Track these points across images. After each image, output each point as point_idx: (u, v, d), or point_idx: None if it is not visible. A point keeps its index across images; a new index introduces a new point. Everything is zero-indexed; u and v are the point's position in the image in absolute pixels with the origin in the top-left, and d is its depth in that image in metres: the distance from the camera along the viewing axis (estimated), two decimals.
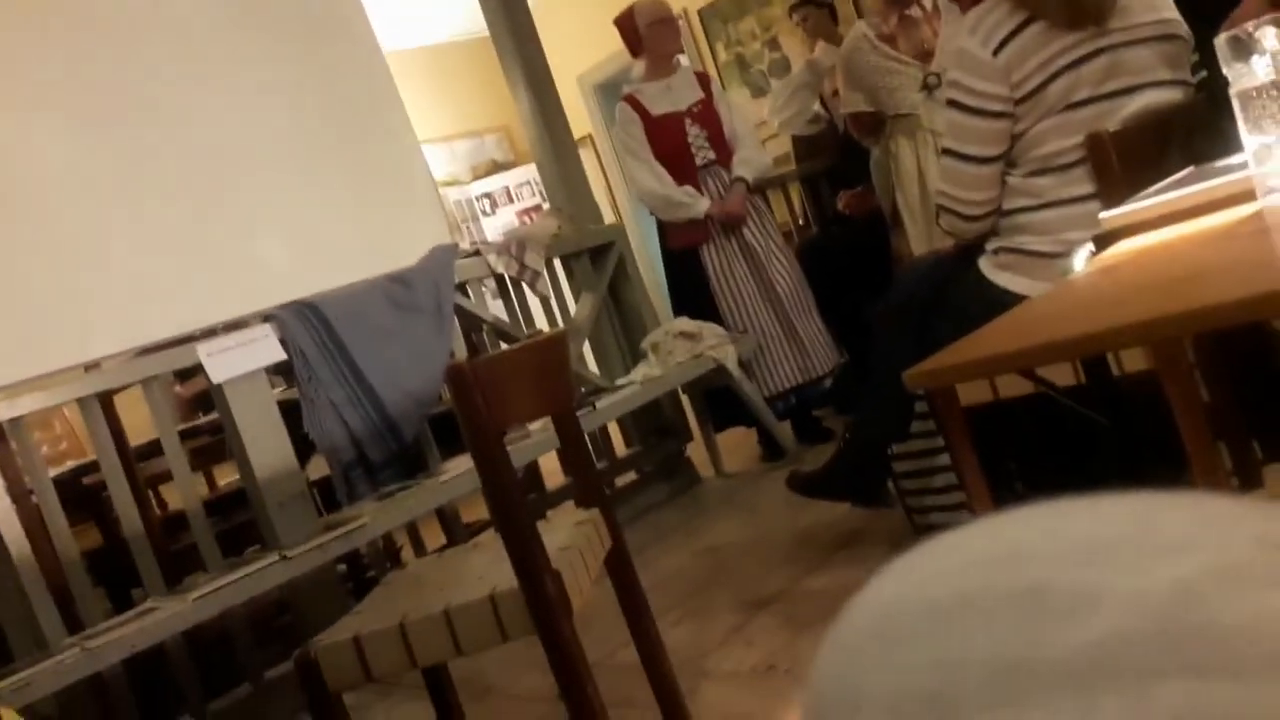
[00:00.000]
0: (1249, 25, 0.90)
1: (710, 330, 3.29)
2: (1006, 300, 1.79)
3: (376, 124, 3.24)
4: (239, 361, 2.51)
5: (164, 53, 2.76)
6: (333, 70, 3.16)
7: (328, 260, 2.92)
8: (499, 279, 3.16)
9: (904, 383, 1.03)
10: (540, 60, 3.48)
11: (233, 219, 2.78)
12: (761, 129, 5.33)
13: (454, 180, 6.33)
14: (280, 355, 2.57)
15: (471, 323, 3.11)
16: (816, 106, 4.16)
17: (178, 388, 3.84)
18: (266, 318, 2.59)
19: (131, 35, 2.71)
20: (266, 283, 2.72)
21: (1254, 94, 0.89)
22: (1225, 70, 0.91)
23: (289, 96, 3.01)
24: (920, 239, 3.20)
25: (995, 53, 1.74)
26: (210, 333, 2.53)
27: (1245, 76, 0.89)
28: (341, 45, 3.22)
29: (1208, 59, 2.38)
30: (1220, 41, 0.91)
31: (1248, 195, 0.90)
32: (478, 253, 3.10)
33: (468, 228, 5.99)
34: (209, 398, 2.80)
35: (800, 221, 4.76)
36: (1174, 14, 1.82)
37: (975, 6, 1.90)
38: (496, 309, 3.20)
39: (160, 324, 2.53)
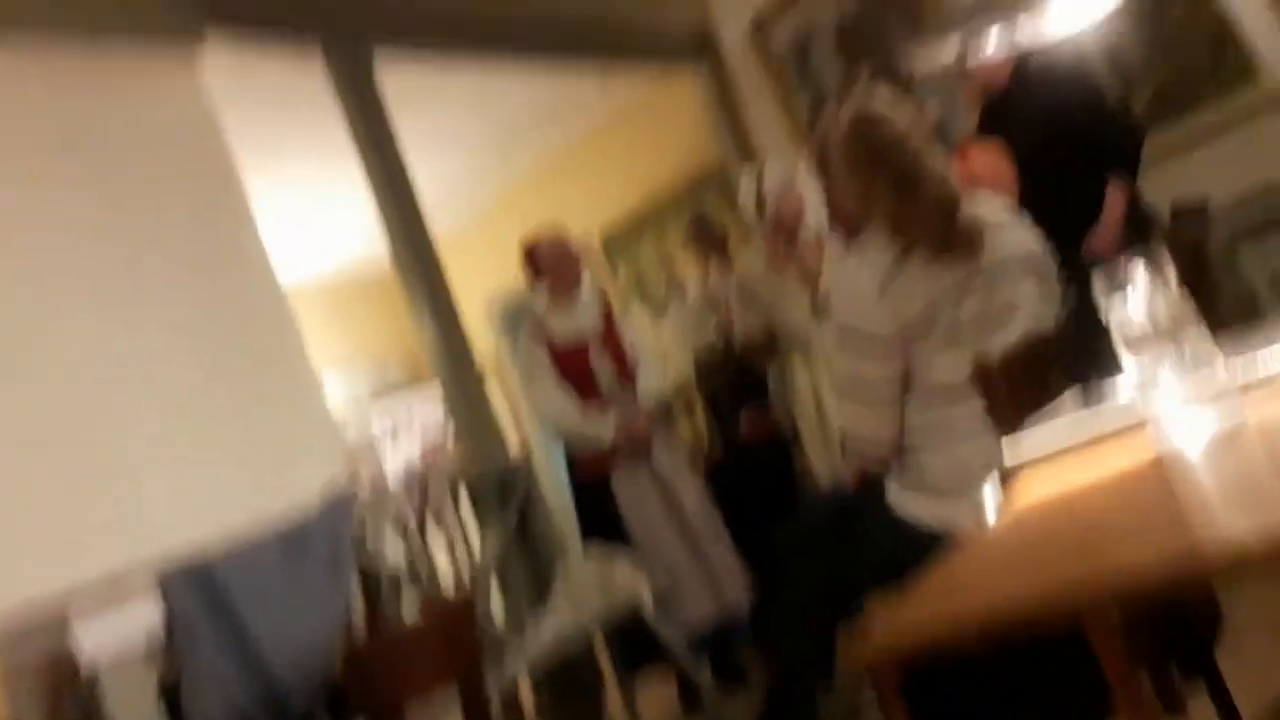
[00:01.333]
0: (1122, 260, 0.92)
1: (622, 563, 3.16)
2: (917, 534, 1.75)
3: (272, 357, 3.16)
4: (119, 641, 2.27)
5: (41, 278, 2.65)
6: (227, 301, 3.10)
7: (215, 503, 2.74)
8: (399, 518, 3.02)
9: (818, 619, 0.95)
10: (443, 288, 3.49)
11: (112, 460, 2.60)
12: (663, 350, 5.46)
13: (355, 406, 6.22)
14: (160, 631, 2.34)
15: (369, 575, 2.92)
16: (714, 329, 4.27)
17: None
18: (151, 580, 2.37)
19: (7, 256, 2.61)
20: (152, 532, 2.52)
21: (1131, 328, 0.89)
22: (1101, 303, 0.92)
23: (178, 328, 2.91)
24: (822, 459, 3.21)
25: (877, 288, 1.78)
26: (89, 595, 2.29)
27: (1120, 310, 0.89)
28: (236, 276, 3.18)
29: (1073, 280, 2.54)
30: (1097, 277, 0.93)
31: (1139, 427, 0.88)
32: (378, 496, 2.97)
33: (366, 459, 5.83)
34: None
35: (706, 444, 4.77)
36: (1036, 245, 1.93)
37: (856, 239, 1.98)
38: (397, 548, 3.03)
39: (29, 584, 2.28)
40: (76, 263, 2.75)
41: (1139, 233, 3.30)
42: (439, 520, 2.99)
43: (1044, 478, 0.96)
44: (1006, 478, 1.01)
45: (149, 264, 2.89)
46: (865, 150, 1.82)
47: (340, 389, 6.29)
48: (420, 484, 2.98)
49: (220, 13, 3.12)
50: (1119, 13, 3.81)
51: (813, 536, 2.05)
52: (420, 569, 3.04)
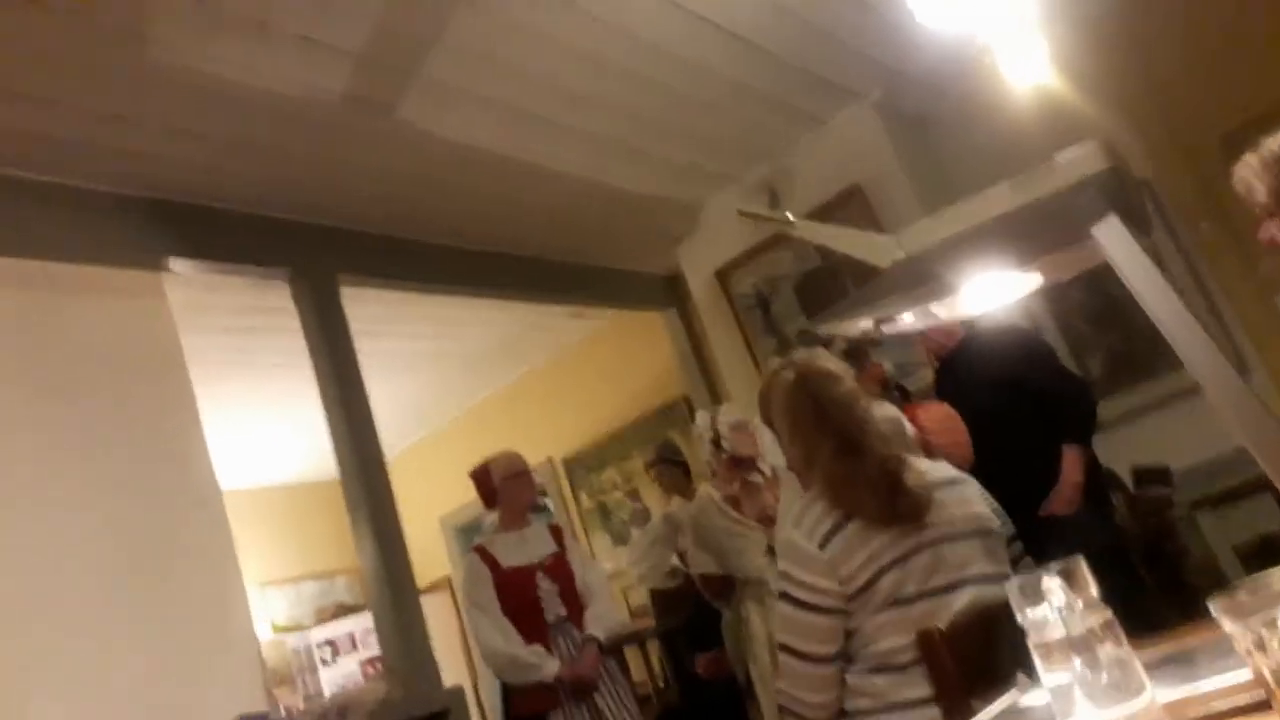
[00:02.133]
0: (1039, 575, 0.88)
1: None
2: None
3: (198, 565, 3.04)
4: None
5: None
6: (156, 502, 3.02)
7: None
8: None
9: None
10: (387, 504, 3.41)
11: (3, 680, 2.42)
12: (621, 578, 5.31)
13: (296, 625, 5.92)
14: None
15: None
16: (674, 560, 4.17)
17: None
18: None
19: None
20: None
21: (1048, 646, 0.84)
22: (1019, 619, 0.88)
23: (98, 533, 2.82)
24: (773, 711, 3.03)
25: (821, 546, 1.73)
26: None
27: (1036, 627, 0.85)
28: (173, 477, 3.12)
29: (1029, 545, 2.50)
30: (1012, 589, 0.89)
31: None
32: None
33: (304, 679, 5.49)
34: None
35: (660, 683, 4.54)
36: (985, 509, 1.90)
37: (798, 490, 1.96)
38: None
39: None
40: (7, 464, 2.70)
41: (1099, 496, 3.31)
42: None
43: None
44: None
45: (85, 465, 2.84)
46: (807, 409, 1.83)
47: (283, 605, 6.03)
48: (338, 715, 2.77)
49: (186, 245, 3.23)
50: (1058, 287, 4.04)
51: None
52: None
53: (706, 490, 3.38)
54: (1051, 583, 0.83)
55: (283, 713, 2.89)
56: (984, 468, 2.35)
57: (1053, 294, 4.25)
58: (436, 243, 4.12)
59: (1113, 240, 0.99)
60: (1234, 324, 3.88)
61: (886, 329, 1.21)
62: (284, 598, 6.03)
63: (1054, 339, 4.03)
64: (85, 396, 2.96)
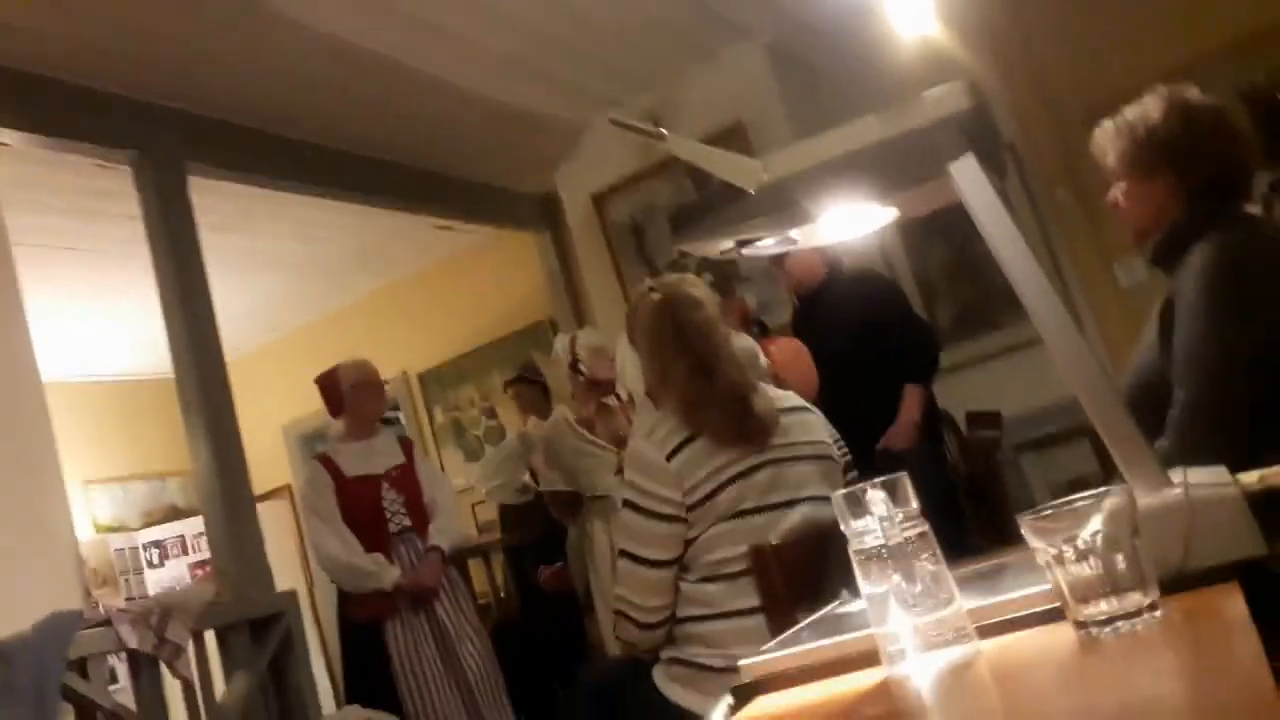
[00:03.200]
0: (863, 486, 0.91)
1: None
2: (679, 716, 1.69)
3: (11, 457, 2.84)
4: None
5: None
6: None
7: None
8: (132, 654, 2.67)
9: None
10: (225, 407, 3.27)
11: None
12: (471, 494, 5.30)
13: (121, 525, 5.64)
14: None
15: (86, 711, 2.55)
16: (526, 478, 4.18)
17: None
18: None
19: None
20: None
21: (867, 556, 0.88)
22: (843, 527, 0.91)
23: None
24: (610, 624, 3.12)
25: (669, 458, 1.78)
26: None
27: (858, 537, 0.89)
28: None
29: (865, 476, 2.64)
30: (837, 499, 0.92)
31: (874, 655, 0.86)
32: (107, 621, 2.63)
33: (127, 580, 5.26)
34: None
35: (501, 594, 4.59)
36: (826, 437, 1.99)
37: (652, 411, 1.99)
38: (126, 691, 2.67)
39: None
40: None
41: (933, 435, 3.52)
42: (175, 659, 2.67)
43: (776, 706, 0.92)
44: (742, 698, 0.97)
45: None
46: (668, 330, 1.86)
47: (109, 504, 5.72)
48: (160, 616, 2.67)
49: (24, 117, 3.01)
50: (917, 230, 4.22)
51: (593, 705, 2.01)
52: (150, 709, 2.68)
53: (562, 410, 3.39)
54: (875, 494, 0.87)
55: (101, 611, 2.76)
56: (831, 402, 2.46)
57: (912, 246, 4.43)
58: (300, 139, 3.91)
59: (967, 178, 1.02)
60: (1075, 288, 4.15)
61: (746, 252, 1.22)
62: (110, 497, 5.73)
63: (909, 288, 4.21)
64: None
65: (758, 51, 4.32)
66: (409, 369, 5.88)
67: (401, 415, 5.90)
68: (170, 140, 3.43)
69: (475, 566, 4.31)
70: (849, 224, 1.21)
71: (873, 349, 3.33)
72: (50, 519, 2.85)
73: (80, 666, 2.53)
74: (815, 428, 1.96)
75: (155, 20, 3.03)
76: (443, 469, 4.95)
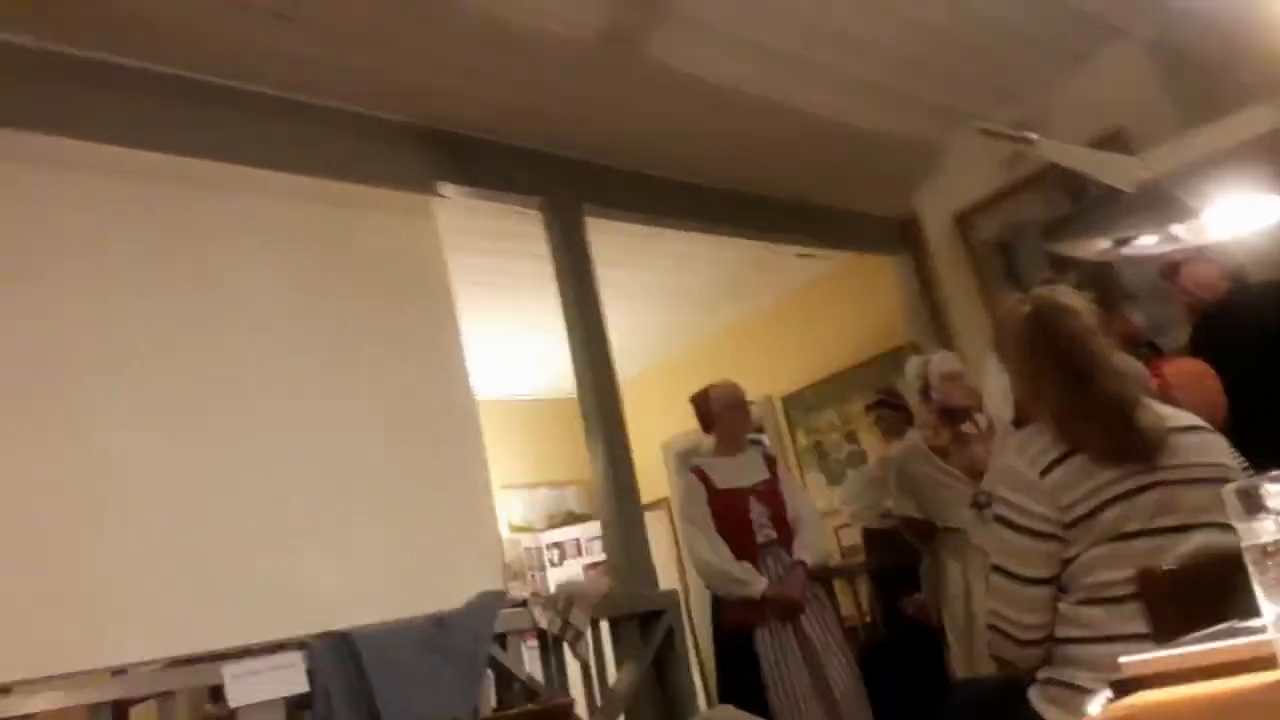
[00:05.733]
0: (1258, 480, 0.89)
1: None
2: None
3: (453, 462, 3.40)
4: (263, 687, 2.44)
5: (258, 370, 3.02)
6: (421, 404, 3.39)
7: (373, 590, 2.94)
8: (541, 635, 3.09)
9: None
10: (618, 423, 3.65)
11: (285, 537, 2.86)
12: (835, 517, 5.36)
13: (528, 526, 6.44)
14: (304, 687, 2.50)
15: (504, 678, 2.99)
16: (888, 503, 4.18)
17: (208, 706, 3.73)
18: (301, 645, 2.56)
19: (232, 351, 2.99)
20: (309, 605, 2.73)
21: (1264, 553, 0.85)
22: (1235, 526, 0.89)
23: (371, 423, 3.21)
24: (961, 661, 3.03)
25: (1043, 474, 1.73)
26: (245, 653, 2.50)
27: (1253, 534, 0.86)
28: (436, 384, 3.48)
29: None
30: (1228, 494, 0.90)
31: (1269, 660, 0.84)
32: (524, 603, 3.06)
33: (533, 575, 5.99)
34: None
35: (867, 619, 4.58)
36: (1230, 460, 1.81)
37: (1024, 429, 1.95)
38: (535, 667, 3.08)
39: (195, 637, 2.53)
40: (302, 354, 3.13)
41: None
42: (576, 641, 3.03)
43: (1158, 699, 0.91)
44: (1122, 693, 0.96)
45: (363, 363, 3.24)
46: (1040, 340, 1.81)
47: (519, 507, 6.55)
48: (565, 603, 3.05)
49: (452, 171, 3.55)
50: None
51: None
52: (554, 683, 3.08)
53: (914, 436, 3.36)
54: (1274, 488, 0.84)
55: (522, 594, 3.23)
56: (1241, 431, 2.22)
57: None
58: (675, 179, 4.27)
59: None
60: None
61: (1126, 252, 1.21)
62: (520, 501, 6.56)
63: None
64: (365, 300, 3.36)
65: (1137, 50, 4.00)
66: (772, 393, 6.11)
67: (765, 438, 6.13)
68: (569, 185, 3.88)
69: (841, 588, 4.37)
70: (1240, 219, 1.16)
71: None
72: (481, 515, 3.36)
73: (501, 640, 2.97)
74: (1215, 449, 1.80)
75: (553, 78, 3.43)
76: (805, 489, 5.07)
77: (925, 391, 3.28)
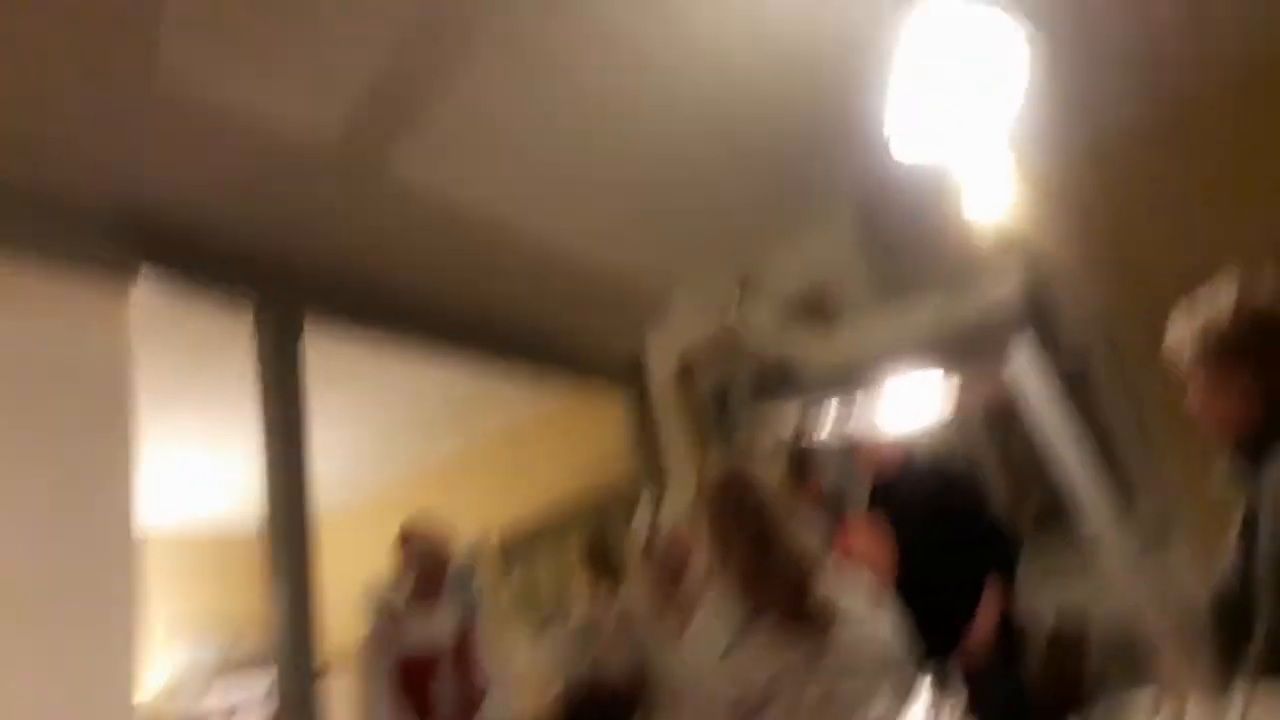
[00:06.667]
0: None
1: None
2: None
3: (93, 614, 2.86)
4: None
5: None
6: (73, 540, 2.85)
7: None
8: None
9: None
10: (305, 567, 3.26)
11: None
12: (539, 666, 5.12)
13: (194, 676, 5.62)
14: None
15: None
16: (590, 658, 4.03)
17: None
18: None
19: None
20: None
21: None
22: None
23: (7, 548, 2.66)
24: None
25: (724, 653, 1.70)
26: None
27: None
28: (94, 514, 2.94)
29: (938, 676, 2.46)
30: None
31: None
32: None
33: None
34: None
35: None
36: (896, 645, 1.82)
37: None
38: None
39: None
40: None
41: (1009, 637, 3.29)
42: None
43: None
44: None
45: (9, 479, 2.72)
46: (729, 505, 1.84)
47: (185, 655, 5.75)
48: None
49: (156, 255, 3.18)
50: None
51: None
52: None
53: (630, 590, 3.31)
54: (923, 685, 0.82)
55: None
56: (906, 594, 2.35)
57: (997, 436, 4.27)
58: (406, 294, 4.09)
59: (1022, 362, 1.01)
60: (1177, 473, 3.86)
61: (813, 427, 1.22)
62: (188, 648, 5.76)
63: (993, 480, 4.04)
64: (27, 408, 2.83)
65: (843, 218, 4.29)
66: (488, 531, 5.90)
67: (474, 583, 5.86)
68: (289, 289, 3.58)
69: None
70: (916, 405, 1.21)
71: (952, 541, 3.19)
72: (112, 686, 2.81)
73: None
74: (884, 635, 1.83)
75: (284, 181, 3.21)
76: (511, 640, 4.84)
77: (650, 543, 3.25)
